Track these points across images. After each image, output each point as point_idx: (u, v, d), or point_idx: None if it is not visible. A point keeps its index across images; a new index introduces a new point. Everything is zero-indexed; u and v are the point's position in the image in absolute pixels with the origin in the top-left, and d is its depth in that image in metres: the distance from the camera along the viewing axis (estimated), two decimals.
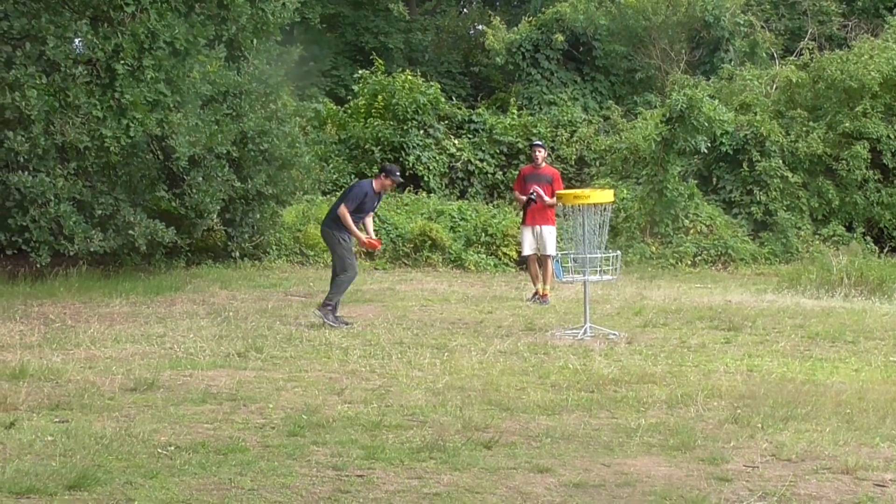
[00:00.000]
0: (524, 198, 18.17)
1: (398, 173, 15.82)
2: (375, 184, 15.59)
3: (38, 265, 18.62)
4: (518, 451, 8.56)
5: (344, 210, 15.24)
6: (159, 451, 8.30)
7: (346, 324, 15.02)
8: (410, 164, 27.86)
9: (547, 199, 17.84)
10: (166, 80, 17.82)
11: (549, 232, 18.03)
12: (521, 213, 18.85)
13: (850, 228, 27.23)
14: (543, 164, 18.60)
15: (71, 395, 10.12)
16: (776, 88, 29.62)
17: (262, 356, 12.54)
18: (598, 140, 29.51)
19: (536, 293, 18.14)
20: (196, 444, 8.46)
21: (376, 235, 23.48)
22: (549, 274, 18.08)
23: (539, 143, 19.31)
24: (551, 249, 17.86)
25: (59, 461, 7.92)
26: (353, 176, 27.29)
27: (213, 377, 11.26)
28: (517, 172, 25.94)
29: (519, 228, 19.79)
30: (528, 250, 18.33)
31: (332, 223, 15.42)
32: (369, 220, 15.75)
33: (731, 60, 32.29)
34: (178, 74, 18.24)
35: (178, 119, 19.11)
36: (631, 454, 8.55)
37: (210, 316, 15.75)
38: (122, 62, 16.76)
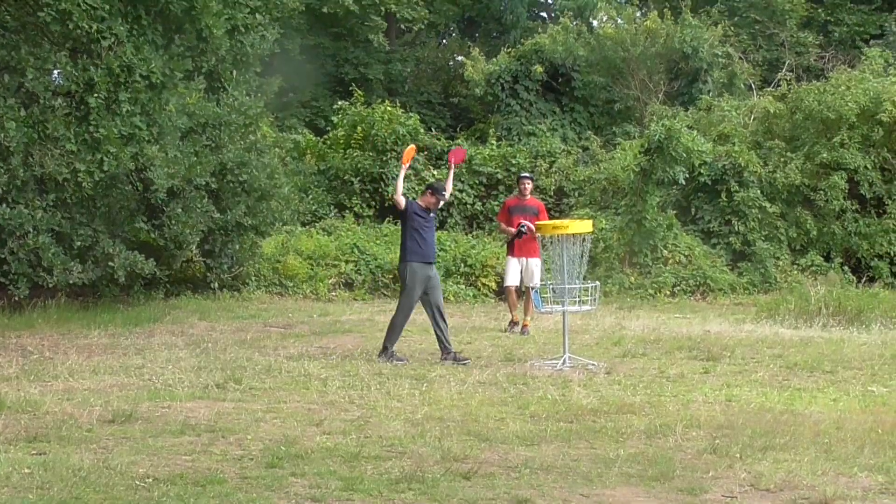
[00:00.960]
0: (513, 230, 18.09)
1: (444, 192, 15.70)
2: (421, 201, 15.48)
3: (17, 297, 18.54)
4: (497, 481, 8.53)
5: (405, 237, 15.20)
6: (137, 483, 8.24)
7: (403, 360, 14.86)
8: (389, 195, 27.55)
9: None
10: (142, 114, 17.71)
11: (536, 264, 17.95)
12: (506, 244, 18.82)
13: (828, 258, 27.27)
14: (529, 196, 18.60)
15: (48, 427, 10.05)
16: (754, 119, 29.68)
17: (240, 387, 12.49)
18: (577, 171, 29.53)
19: (512, 322, 18.05)
20: (174, 476, 8.41)
21: (355, 265, 23.70)
22: (529, 304, 18.06)
23: (527, 174, 19.32)
24: (537, 281, 17.76)
25: (36, 494, 7.86)
26: (332, 207, 27.52)
27: (192, 409, 11.20)
28: (498, 203, 26.08)
29: (501, 259, 19.71)
30: (511, 281, 18.27)
31: (401, 255, 15.32)
32: (430, 237, 15.43)
33: (709, 91, 32.41)
34: (155, 108, 18.07)
35: (155, 152, 19.07)
36: (610, 484, 8.53)
37: (189, 347, 15.69)
38: (96, 96, 16.72)
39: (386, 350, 14.95)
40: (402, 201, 15.33)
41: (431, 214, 15.46)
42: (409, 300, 15.18)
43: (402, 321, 15.23)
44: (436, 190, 15.54)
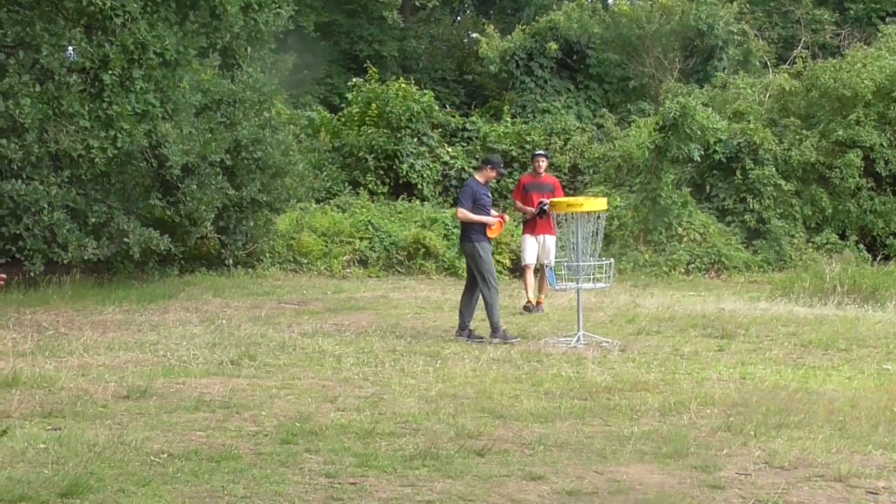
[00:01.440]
0: (532, 209, 17.91)
1: (502, 165, 15.49)
2: (480, 176, 15.41)
3: (32, 273, 18.58)
4: (511, 458, 8.55)
5: (462, 210, 15.08)
6: (152, 458, 8.29)
7: (516, 338, 14.76)
8: (404, 173, 27.92)
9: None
10: (156, 90, 17.78)
11: (553, 242, 17.89)
12: (522, 222, 18.74)
13: (843, 236, 27.12)
14: (544, 173, 18.53)
15: (63, 403, 10.12)
16: (769, 97, 29.52)
17: (255, 364, 12.53)
18: (591, 148, 29.43)
19: (527, 305, 17.93)
20: (189, 452, 8.45)
21: (370, 242, 23.72)
22: (544, 282, 17.99)
23: (542, 152, 19.20)
24: (552, 258, 17.66)
25: (51, 469, 7.91)
26: (346, 184, 27.44)
27: (206, 385, 11.25)
28: (513, 181, 26.02)
29: (515, 237, 19.56)
30: (529, 259, 18.10)
31: (465, 232, 15.16)
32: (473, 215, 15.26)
33: (724, 69, 32.21)
34: (169, 84, 18.18)
35: (169, 129, 19.07)
36: (624, 462, 8.55)
37: (203, 324, 15.73)
38: (111, 72, 16.72)
39: (497, 330, 14.78)
40: (469, 216, 15.07)
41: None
42: (491, 274, 14.98)
43: (496, 294, 15.00)
44: (495, 164, 15.43)
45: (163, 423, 9.53)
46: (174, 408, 10.13)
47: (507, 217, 15.95)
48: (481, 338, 14.79)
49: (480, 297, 15.03)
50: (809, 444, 9.10)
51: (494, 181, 15.41)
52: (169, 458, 8.32)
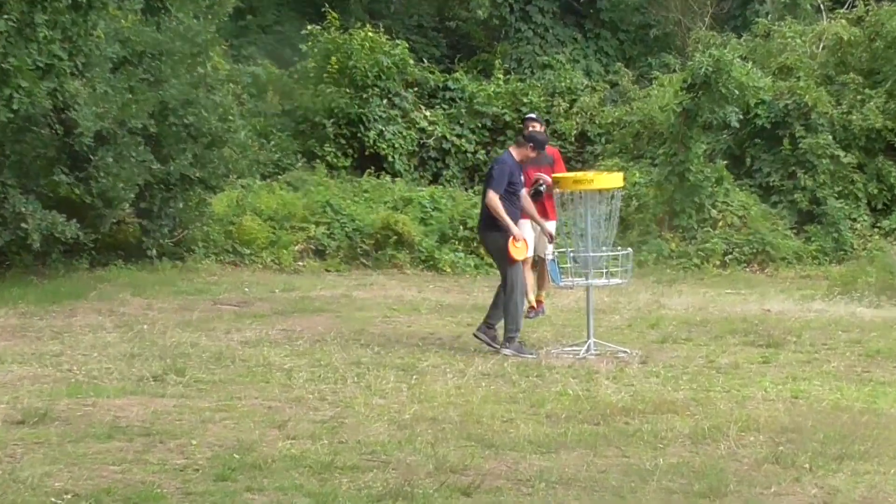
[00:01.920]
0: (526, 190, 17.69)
1: (545, 145, 15.48)
2: (516, 153, 15.25)
3: None
4: (505, 498, 8.54)
5: (493, 197, 14.88)
6: (53, 500, 8.23)
7: (531, 354, 14.70)
8: (371, 142, 27.92)
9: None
10: (63, 40, 17.70)
11: (553, 228, 17.54)
12: None
13: None
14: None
15: None
16: (824, 48, 29.49)
17: (183, 380, 12.50)
18: (603, 111, 29.49)
19: (531, 308, 17.52)
20: (100, 492, 8.40)
21: (328, 228, 23.64)
22: (545, 277, 17.77)
23: (533, 115, 18.92)
24: (549, 249, 17.48)
25: None
26: (299, 156, 27.47)
27: (123, 407, 11.18)
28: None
29: None
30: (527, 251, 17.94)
31: (492, 219, 15.00)
32: (526, 200, 15.37)
33: (767, 13, 32.05)
34: (80, 32, 18.16)
35: (79, 87, 18.97)
36: (646, 502, 8.53)
37: (119, 329, 15.72)
38: (6, 17, 16.63)
39: (512, 339, 14.75)
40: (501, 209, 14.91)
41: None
42: (519, 270, 15.05)
43: (522, 298, 15.09)
44: (539, 145, 15.26)
45: (67, 455, 9.45)
46: (81, 436, 10.03)
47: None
48: (497, 346, 14.79)
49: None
50: (879, 480, 9.09)
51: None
52: (74, 498, 8.25)
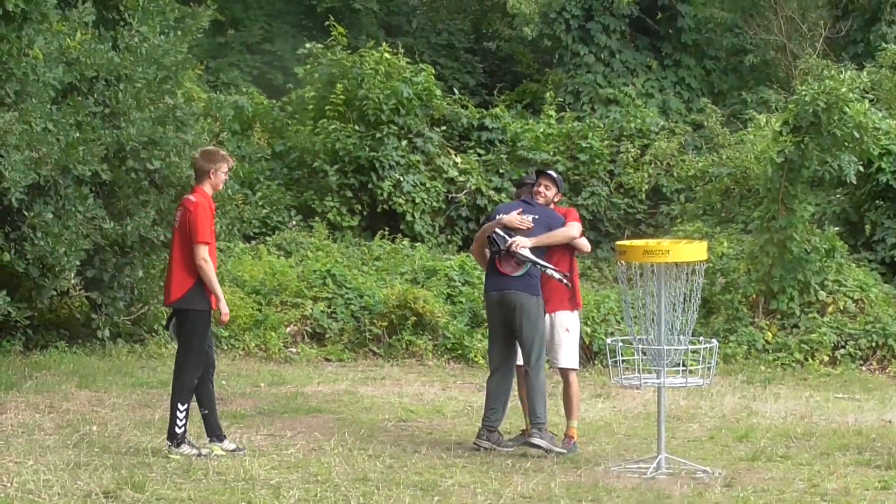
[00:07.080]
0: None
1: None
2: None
3: None
4: None
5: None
6: None
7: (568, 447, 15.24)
8: (385, 195, 27.95)
9: (555, 271, 15.75)
10: None
11: (569, 322, 16.08)
12: None
13: None
14: (552, 203, 16.60)
15: None
16: None
17: (143, 497, 12.59)
18: (684, 161, 29.68)
19: (524, 432, 16.34)
20: None
21: (329, 305, 23.98)
22: (574, 399, 16.19)
23: (550, 171, 17.18)
24: (570, 357, 16.10)
25: None
26: (292, 211, 27.86)
27: None
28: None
29: None
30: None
31: (533, 277, 15.33)
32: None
33: None
34: (11, 51, 18.42)
35: (10, 123, 18.78)
36: None
37: (61, 431, 15.78)
38: None
39: (542, 426, 15.21)
40: None
41: None
42: (542, 347, 15.50)
43: (544, 377, 15.57)
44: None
45: None
46: None
47: None
48: (511, 444, 15.24)
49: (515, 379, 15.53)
50: None
51: None
52: None
